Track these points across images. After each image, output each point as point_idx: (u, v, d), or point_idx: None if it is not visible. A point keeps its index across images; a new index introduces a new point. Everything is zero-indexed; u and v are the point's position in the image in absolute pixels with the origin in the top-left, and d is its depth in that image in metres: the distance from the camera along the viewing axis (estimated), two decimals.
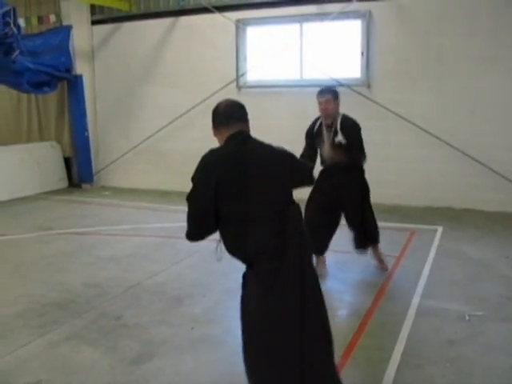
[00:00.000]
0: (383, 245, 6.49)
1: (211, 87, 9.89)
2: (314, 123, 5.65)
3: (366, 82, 9.05)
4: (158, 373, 3.81)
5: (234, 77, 9.93)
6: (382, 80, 8.98)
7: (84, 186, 11.34)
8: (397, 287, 5.38)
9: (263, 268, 2.76)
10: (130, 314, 4.84)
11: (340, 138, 5.35)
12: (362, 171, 5.72)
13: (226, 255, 2.95)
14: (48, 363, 3.99)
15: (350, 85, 8.94)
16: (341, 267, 5.98)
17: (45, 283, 5.68)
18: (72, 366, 3.93)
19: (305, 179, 3.38)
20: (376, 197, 8.77)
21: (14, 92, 11.09)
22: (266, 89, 9.84)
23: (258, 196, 2.76)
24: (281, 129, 9.21)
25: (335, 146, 5.35)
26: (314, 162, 5.41)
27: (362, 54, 9.04)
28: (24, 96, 11.52)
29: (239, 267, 2.98)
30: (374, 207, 8.73)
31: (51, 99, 11.37)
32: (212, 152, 2.89)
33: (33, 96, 11.45)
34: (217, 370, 3.87)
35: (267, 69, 9.87)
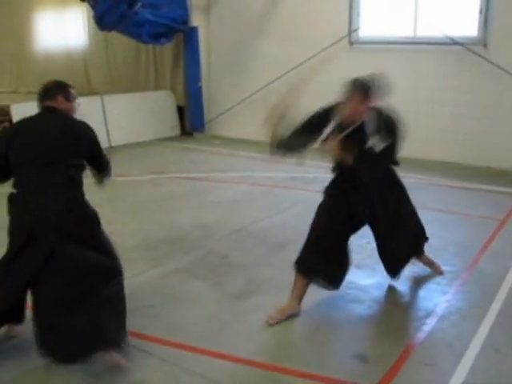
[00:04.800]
0: (487, 208, 6.43)
1: (323, 42, 9.88)
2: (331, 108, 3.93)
3: (483, 40, 8.68)
4: (258, 309, 4.10)
5: (347, 32, 9.87)
6: (501, 39, 8.56)
7: (195, 134, 11.79)
8: (498, 250, 5.33)
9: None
10: (234, 254, 5.18)
11: (375, 141, 3.80)
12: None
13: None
14: (159, 291, 4.41)
15: (464, 43, 8.66)
16: (443, 226, 5.87)
17: (156, 221, 6.15)
18: (181, 296, 4.34)
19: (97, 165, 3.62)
20: (483, 160, 8.68)
21: (133, 43, 11.59)
22: (378, 45, 9.69)
23: (26, 153, 3.31)
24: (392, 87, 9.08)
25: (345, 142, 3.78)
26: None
27: (481, 11, 8.69)
28: (142, 47, 12.01)
29: None
30: (481, 171, 8.59)
31: (167, 50, 11.79)
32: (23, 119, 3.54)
33: (150, 47, 11.92)
34: (316, 312, 4.11)
35: (380, 25, 9.71)
